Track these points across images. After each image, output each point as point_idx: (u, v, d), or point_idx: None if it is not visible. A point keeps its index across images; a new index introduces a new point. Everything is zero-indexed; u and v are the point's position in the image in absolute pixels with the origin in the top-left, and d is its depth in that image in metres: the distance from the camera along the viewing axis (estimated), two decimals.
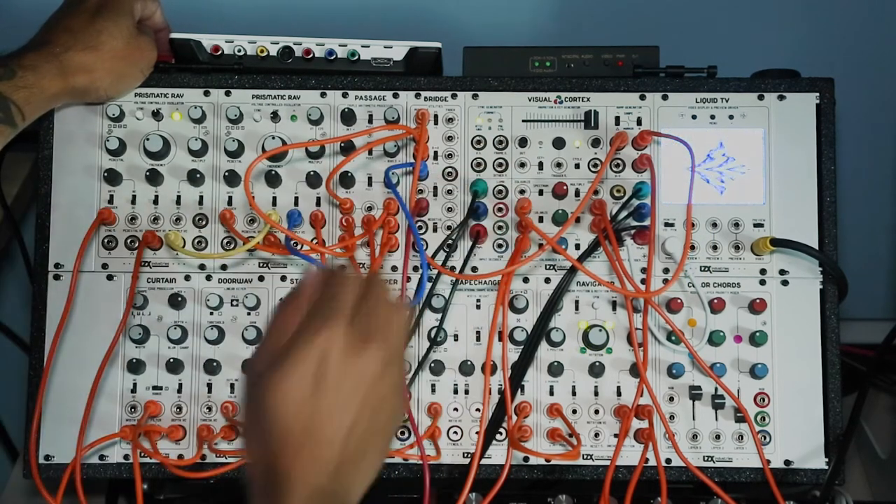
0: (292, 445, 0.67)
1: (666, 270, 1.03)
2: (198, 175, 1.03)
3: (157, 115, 1.04)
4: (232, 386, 1.02)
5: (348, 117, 1.03)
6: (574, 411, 1.01)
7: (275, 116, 1.04)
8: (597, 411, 1.01)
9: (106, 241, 1.03)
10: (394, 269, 1.03)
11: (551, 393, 1.02)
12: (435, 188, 1.04)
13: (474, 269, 1.03)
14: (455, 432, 1.01)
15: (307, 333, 0.70)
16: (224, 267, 1.03)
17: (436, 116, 1.05)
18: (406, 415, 0.99)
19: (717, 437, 1.01)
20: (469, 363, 1.01)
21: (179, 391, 1.02)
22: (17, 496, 1.27)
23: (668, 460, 1.00)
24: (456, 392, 1.02)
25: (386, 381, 0.72)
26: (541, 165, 1.04)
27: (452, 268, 1.02)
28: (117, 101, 1.03)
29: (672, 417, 1.01)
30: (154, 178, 1.03)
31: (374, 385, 0.71)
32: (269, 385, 0.68)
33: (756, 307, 1.01)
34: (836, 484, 0.99)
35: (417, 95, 1.05)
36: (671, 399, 1.01)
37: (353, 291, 0.73)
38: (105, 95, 1.01)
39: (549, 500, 1.03)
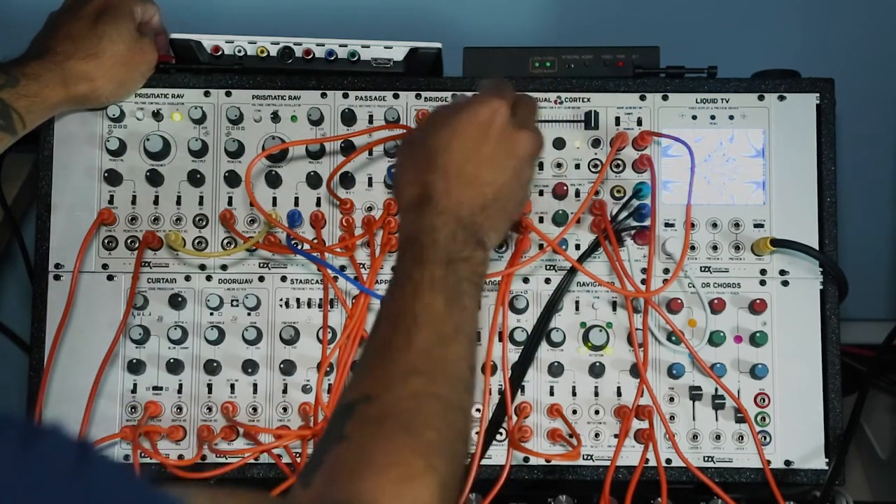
0: (450, 177, 0.79)
1: (666, 271, 1.03)
2: (198, 175, 1.03)
3: (157, 115, 1.04)
4: (232, 386, 1.02)
5: (349, 118, 1.03)
6: (574, 412, 1.01)
7: (275, 117, 1.04)
8: (597, 412, 1.01)
9: (106, 241, 1.03)
10: (394, 269, 1.02)
11: (551, 393, 1.02)
12: None
13: None
14: None
15: (480, 97, 0.81)
16: (224, 267, 1.03)
17: None
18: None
19: (718, 437, 1.01)
20: None
21: (179, 391, 1.02)
22: None
23: (669, 461, 1.00)
24: None
25: (529, 168, 0.84)
26: (541, 166, 1.04)
27: None
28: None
29: (672, 418, 1.01)
30: (154, 178, 1.03)
31: (522, 163, 0.82)
32: (441, 126, 0.80)
33: (756, 307, 1.01)
34: (837, 484, 0.99)
35: (418, 96, 1.05)
36: (671, 399, 1.01)
37: (514, 96, 0.85)
38: (106, 101, 1.01)
39: (549, 500, 1.03)
